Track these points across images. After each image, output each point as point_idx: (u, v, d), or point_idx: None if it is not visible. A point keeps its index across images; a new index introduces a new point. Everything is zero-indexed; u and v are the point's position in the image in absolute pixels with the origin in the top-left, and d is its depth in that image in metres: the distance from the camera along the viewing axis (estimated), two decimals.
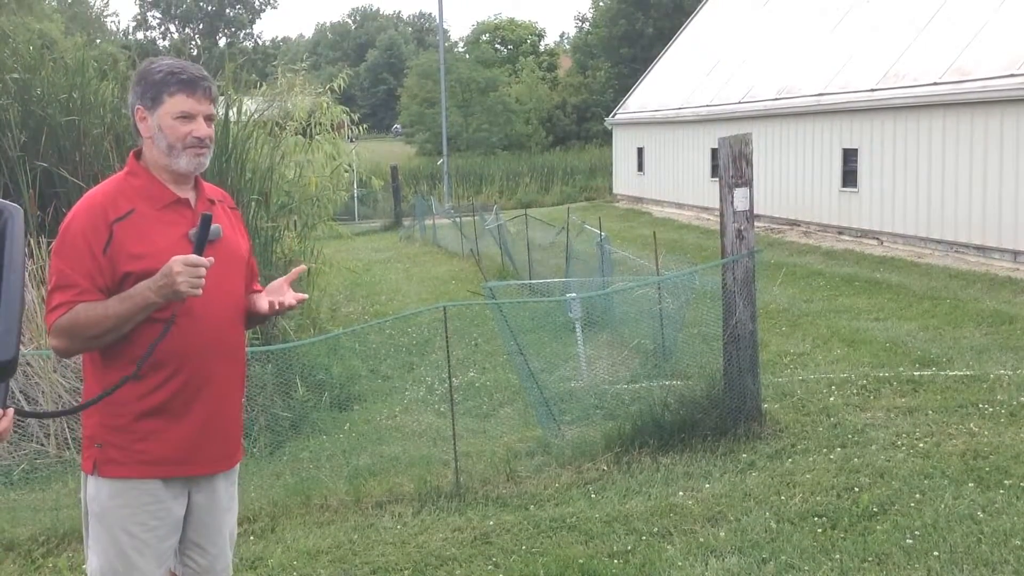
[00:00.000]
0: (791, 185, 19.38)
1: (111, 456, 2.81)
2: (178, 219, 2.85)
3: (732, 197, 6.22)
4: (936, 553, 4.38)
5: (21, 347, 2.18)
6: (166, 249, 2.75)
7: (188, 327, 2.79)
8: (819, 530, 4.74)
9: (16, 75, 8.72)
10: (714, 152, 20.47)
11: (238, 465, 3.12)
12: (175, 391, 2.81)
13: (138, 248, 2.74)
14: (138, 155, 2.91)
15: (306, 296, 3.20)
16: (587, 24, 57.98)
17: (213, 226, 2.84)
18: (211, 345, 2.86)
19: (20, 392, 6.74)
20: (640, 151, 28.14)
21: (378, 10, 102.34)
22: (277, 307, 3.02)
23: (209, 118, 2.88)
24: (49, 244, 7.54)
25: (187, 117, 2.83)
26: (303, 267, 3.28)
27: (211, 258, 2.72)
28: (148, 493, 2.84)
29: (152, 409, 2.80)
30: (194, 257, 2.67)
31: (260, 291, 3.15)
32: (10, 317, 2.07)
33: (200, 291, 2.69)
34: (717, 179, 6.40)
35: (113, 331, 2.71)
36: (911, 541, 4.52)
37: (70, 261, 2.74)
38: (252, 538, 5.11)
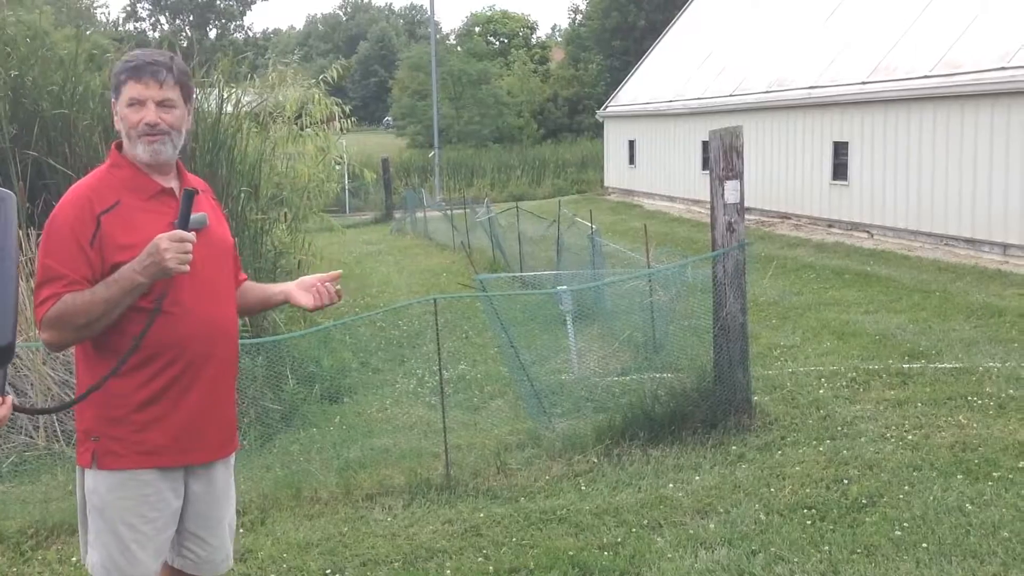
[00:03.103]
0: (782, 178, 19.40)
1: (110, 448, 2.80)
2: (164, 209, 2.84)
3: (723, 190, 6.22)
4: (925, 545, 4.40)
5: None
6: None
7: (180, 316, 2.78)
8: (808, 522, 4.75)
9: (8, 68, 8.66)
10: (705, 145, 20.43)
11: (235, 453, 3.12)
12: (171, 380, 2.81)
13: (126, 239, 2.72)
14: (119, 147, 2.89)
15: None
16: (580, 16, 57.93)
17: (200, 214, 2.83)
18: (204, 333, 2.85)
19: (10, 385, 6.69)
20: (631, 144, 28.13)
21: (369, 2, 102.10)
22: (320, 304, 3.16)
23: (163, 103, 2.79)
24: (38, 236, 7.50)
25: (136, 104, 2.79)
26: (338, 273, 3.29)
27: (194, 232, 2.70)
28: (148, 484, 2.83)
29: (150, 398, 2.79)
30: (179, 232, 2.64)
31: (245, 279, 3.20)
32: (5, 303, 2.05)
33: (188, 267, 2.65)
34: (708, 172, 6.41)
35: (102, 318, 2.68)
36: (900, 533, 4.54)
37: (56, 255, 2.71)
38: (242, 531, 5.10)
